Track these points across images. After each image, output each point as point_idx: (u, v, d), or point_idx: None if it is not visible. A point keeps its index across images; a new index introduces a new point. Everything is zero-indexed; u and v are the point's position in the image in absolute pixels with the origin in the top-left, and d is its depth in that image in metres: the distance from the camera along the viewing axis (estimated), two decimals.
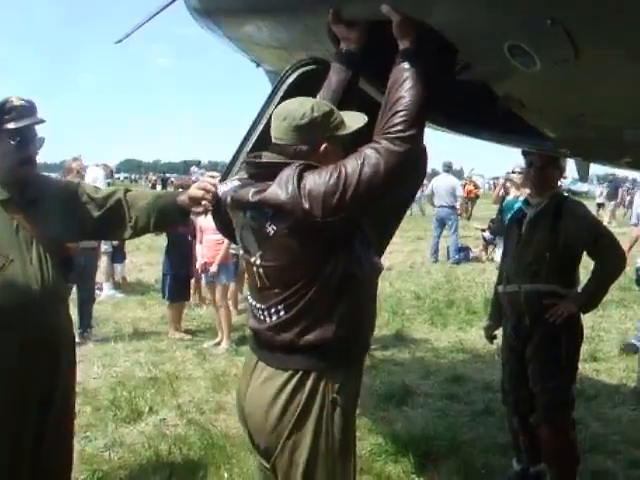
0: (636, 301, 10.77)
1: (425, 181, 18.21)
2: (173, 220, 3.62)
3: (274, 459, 2.68)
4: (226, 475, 4.56)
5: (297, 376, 2.60)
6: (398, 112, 2.37)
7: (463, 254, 15.89)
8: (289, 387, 2.59)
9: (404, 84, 2.38)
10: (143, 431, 5.45)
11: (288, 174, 2.41)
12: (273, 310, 2.61)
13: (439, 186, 15.97)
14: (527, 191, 4.85)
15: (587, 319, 9.30)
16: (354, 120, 2.55)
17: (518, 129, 2.59)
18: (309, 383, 2.59)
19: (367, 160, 2.37)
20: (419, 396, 6.25)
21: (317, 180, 2.38)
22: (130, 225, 3.30)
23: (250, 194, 2.51)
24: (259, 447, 2.77)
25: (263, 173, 2.53)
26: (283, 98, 2.88)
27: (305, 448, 2.59)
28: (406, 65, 2.39)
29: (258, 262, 2.59)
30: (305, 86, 2.89)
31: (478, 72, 2.16)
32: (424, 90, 2.38)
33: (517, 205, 10.65)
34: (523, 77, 1.86)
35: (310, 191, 2.37)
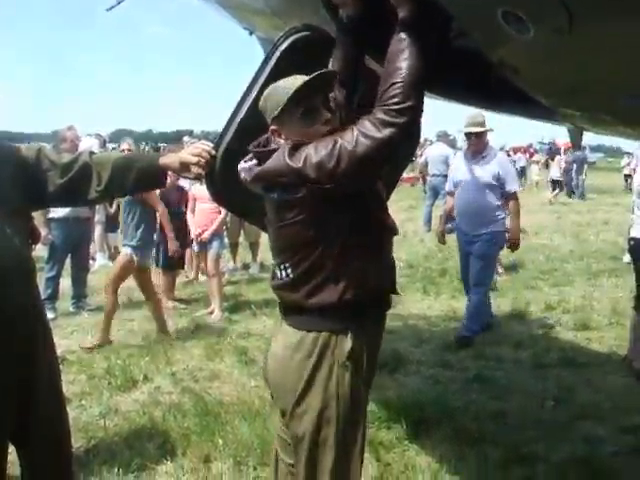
0: (627, 270, 10.82)
1: (418, 150, 18.19)
2: (152, 183, 3.44)
3: (287, 420, 2.71)
4: (220, 442, 4.60)
5: (309, 337, 2.65)
6: (395, 83, 2.37)
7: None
8: (303, 348, 2.64)
9: (402, 55, 2.37)
10: (138, 399, 5.49)
11: (279, 152, 2.52)
12: (282, 267, 2.69)
13: (432, 155, 15.92)
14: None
15: (578, 288, 9.46)
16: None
17: (511, 96, 2.58)
18: (319, 345, 2.63)
19: (363, 131, 2.38)
20: (412, 364, 6.29)
21: (313, 151, 2.42)
22: (98, 189, 3.13)
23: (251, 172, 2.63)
24: (279, 407, 2.83)
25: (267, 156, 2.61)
26: (276, 65, 2.87)
27: (314, 411, 2.62)
28: (404, 35, 2.37)
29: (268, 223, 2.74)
30: (298, 53, 2.88)
31: (472, 39, 2.15)
32: (422, 61, 2.37)
33: None
34: (517, 44, 1.85)
35: (307, 160, 2.42)
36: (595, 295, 9.21)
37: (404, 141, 2.46)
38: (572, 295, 9.22)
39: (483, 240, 7.05)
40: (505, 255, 10.48)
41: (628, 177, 28.15)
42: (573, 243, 13.70)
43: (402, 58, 2.37)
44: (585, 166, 27.80)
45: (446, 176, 15.90)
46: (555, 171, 26.23)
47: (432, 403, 5.18)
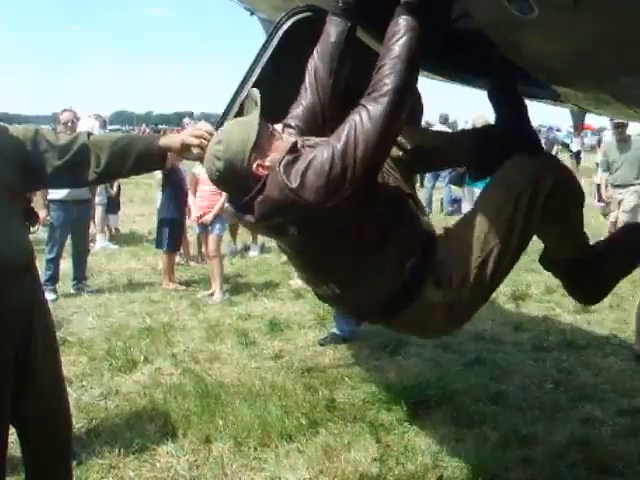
0: None
1: None
2: (151, 164, 3.32)
3: None
4: (221, 423, 4.61)
5: None
6: (384, 66, 2.30)
7: (457, 205, 15.85)
8: None
9: (394, 37, 2.31)
10: (138, 380, 5.50)
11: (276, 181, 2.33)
12: (326, 285, 2.63)
13: None
14: None
15: None
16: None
17: (516, 78, 2.57)
18: None
19: (358, 129, 2.27)
20: (412, 346, 6.29)
21: (312, 171, 2.28)
22: (97, 170, 3.08)
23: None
24: None
25: None
26: (277, 46, 2.85)
27: None
28: (400, 19, 2.33)
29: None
30: (299, 34, 2.86)
31: (475, 20, 2.13)
32: (415, 42, 2.30)
33: None
34: (521, 25, 1.84)
35: (308, 183, 2.27)
36: None
37: (397, 120, 2.36)
38: None
39: None
40: None
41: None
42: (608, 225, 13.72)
43: (393, 40, 2.31)
44: (556, 147, 27.44)
45: None
46: None
47: (432, 385, 5.20)
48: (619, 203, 9.99)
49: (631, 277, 8.27)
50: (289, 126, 2.65)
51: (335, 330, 6.59)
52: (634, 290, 7.46)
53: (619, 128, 9.96)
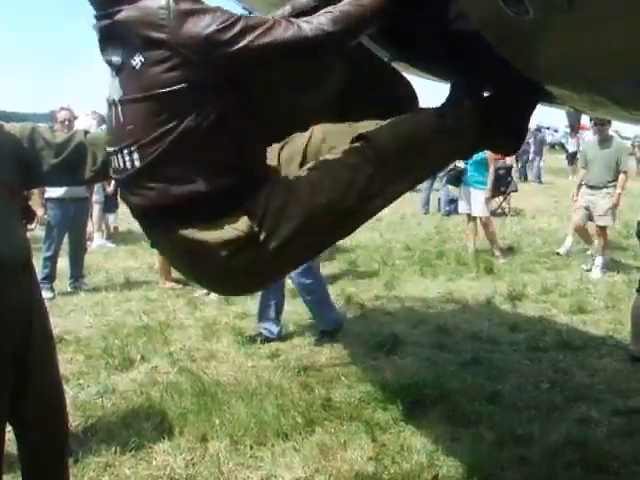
0: (623, 255, 10.87)
1: None
2: None
3: None
4: (217, 421, 4.62)
5: None
6: (331, 10, 2.16)
7: (454, 206, 15.88)
8: None
9: None
10: (135, 379, 5.50)
11: None
12: (126, 152, 2.19)
13: None
14: None
15: (575, 272, 9.48)
16: None
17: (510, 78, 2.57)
18: None
19: (277, 25, 2.10)
20: (408, 345, 6.31)
21: (206, 15, 2.06)
22: (94, 169, 3.06)
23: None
24: None
25: None
26: None
27: None
28: None
29: (116, 98, 2.20)
30: None
31: (471, 21, 2.14)
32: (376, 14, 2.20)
33: (478, 157, 10.76)
34: (516, 25, 1.85)
35: (194, 21, 2.05)
36: (591, 278, 9.24)
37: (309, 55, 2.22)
38: (568, 278, 9.25)
39: None
40: (502, 238, 10.54)
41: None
42: (570, 226, 13.71)
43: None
44: (544, 148, 27.13)
45: None
46: None
47: (428, 384, 5.21)
48: (587, 206, 9.76)
49: (627, 278, 8.32)
50: None
51: (262, 330, 6.48)
52: (630, 291, 7.48)
53: (600, 126, 9.73)
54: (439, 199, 16.40)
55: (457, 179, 11.39)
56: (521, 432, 4.55)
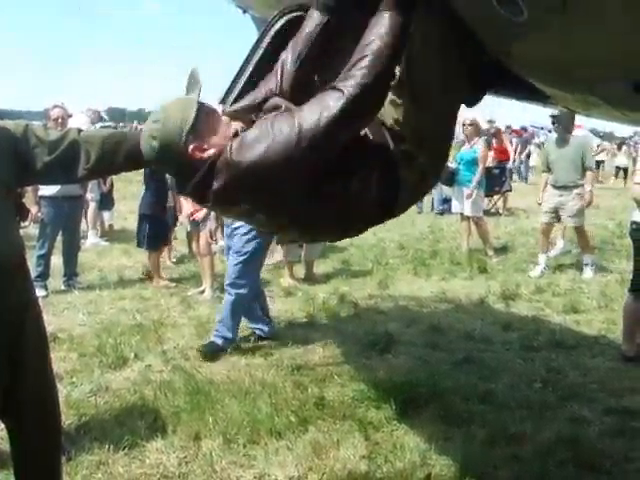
0: (616, 255, 10.89)
1: None
2: (142, 162, 3.24)
3: None
4: (211, 420, 4.62)
5: None
6: (361, 59, 2.27)
7: (447, 205, 15.90)
8: None
9: (376, 28, 2.28)
10: (128, 377, 5.50)
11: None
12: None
13: None
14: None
15: (567, 272, 9.50)
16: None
17: (506, 80, 2.58)
18: None
19: (324, 113, 2.23)
20: (402, 344, 6.32)
21: (268, 148, 2.25)
22: (87, 167, 3.05)
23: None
24: None
25: None
26: (269, 45, 2.85)
27: None
28: (383, 14, 2.30)
29: None
30: (292, 33, 2.86)
31: (465, 21, 2.15)
32: (396, 40, 2.28)
33: (469, 156, 10.73)
34: (511, 27, 1.85)
35: (262, 161, 2.25)
36: (584, 278, 9.27)
37: (358, 116, 2.34)
38: (561, 278, 9.28)
39: (240, 234, 6.09)
40: (496, 237, 10.56)
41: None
42: (560, 230, 13.75)
43: (375, 32, 2.28)
44: (528, 147, 27.07)
45: None
46: None
47: (421, 383, 5.21)
48: (555, 207, 9.45)
49: (619, 278, 8.34)
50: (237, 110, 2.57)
51: (216, 339, 6.11)
52: (622, 291, 7.50)
53: (557, 124, 9.47)
54: (432, 198, 16.41)
55: (450, 179, 11.42)
56: (514, 431, 4.57)
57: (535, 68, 2.25)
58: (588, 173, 9.47)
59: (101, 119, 13.64)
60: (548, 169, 9.69)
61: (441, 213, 15.77)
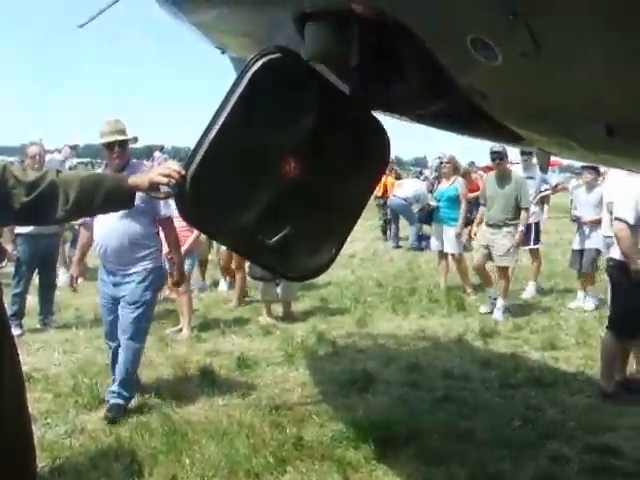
0: (594, 290, 10.94)
1: None
2: (120, 203, 3.32)
3: None
4: (187, 461, 4.57)
5: None
6: None
7: (425, 242, 15.97)
8: None
9: None
10: (104, 417, 5.42)
11: None
12: None
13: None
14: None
15: (546, 308, 9.52)
16: None
17: (479, 121, 2.62)
18: None
19: None
20: (380, 383, 6.30)
21: None
22: (65, 208, 3.07)
23: None
24: None
25: None
26: (248, 86, 2.88)
27: None
28: None
29: None
30: (269, 75, 2.89)
31: (441, 65, 2.18)
32: None
33: (451, 193, 10.76)
34: (485, 70, 1.88)
35: None
36: (562, 315, 9.30)
37: None
38: (540, 315, 9.30)
39: (135, 282, 5.58)
40: (473, 274, 10.59)
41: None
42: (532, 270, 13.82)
43: None
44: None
45: (405, 200, 16.21)
46: None
47: (400, 422, 5.18)
48: (487, 245, 9.36)
49: (597, 314, 8.37)
50: None
51: (116, 400, 5.52)
52: (600, 327, 7.53)
53: (497, 160, 9.37)
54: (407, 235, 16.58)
55: (429, 217, 11.48)
56: (493, 470, 4.54)
57: (510, 111, 2.28)
58: (523, 213, 9.41)
59: (77, 155, 13.60)
60: (484, 204, 9.68)
61: (419, 249, 15.84)
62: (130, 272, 5.56)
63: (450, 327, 8.54)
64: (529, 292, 10.76)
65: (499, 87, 2.05)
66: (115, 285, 5.62)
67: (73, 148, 13.16)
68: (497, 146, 9.04)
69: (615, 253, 6.04)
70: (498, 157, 9.32)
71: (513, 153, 10.62)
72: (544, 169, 9.06)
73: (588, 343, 7.71)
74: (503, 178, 9.39)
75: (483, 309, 9.50)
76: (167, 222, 5.89)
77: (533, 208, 10.46)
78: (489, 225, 9.43)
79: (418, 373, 6.65)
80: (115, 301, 5.64)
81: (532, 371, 6.71)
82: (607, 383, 6.06)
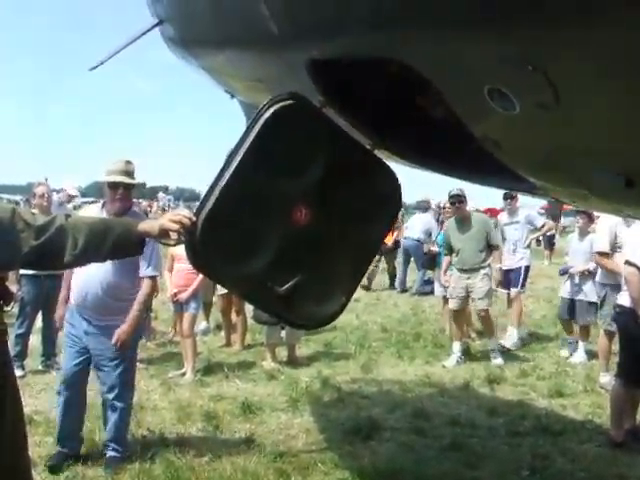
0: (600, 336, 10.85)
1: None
2: (129, 249, 3.28)
3: None
4: None
5: None
6: None
7: (430, 287, 15.89)
8: None
9: None
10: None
11: None
12: None
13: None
14: None
15: (552, 354, 9.44)
16: None
17: (491, 169, 2.61)
18: None
19: None
20: (385, 430, 6.22)
21: None
22: (74, 253, 3.04)
23: None
24: None
25: None
26: (260, 133, 2.88)
27: None
28: None
29: None
30: (281, 122, 2.89)
31: (456, 112, 2.17)
32: None
33: None
34: (501, 119, 1.87)
35: None
36: (569, 361, 9.22)
37: None
38: (546, 361, 9.22)
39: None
40: (477, 319, 10.52)
41: None
42: (546, 308, 13.76)
43: None
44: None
45: (419, 240, 16.16)
46: None
47: (406, 470, 5.13)
48: (466, 289, 9.16)
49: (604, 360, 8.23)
50: None
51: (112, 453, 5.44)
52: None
53: (456, 204, 9.20)
54: (414, 280, 16.50)
55: (432, 262, 11.44)
56: None
57: (525, 160, 2.27)
58: (495, 253, 9.39)
59: (70, 199, 13.46)
60: (450, 252, 9.51)
61: (424, 293, 15.76)
62: (110, 324, 5.28)
63: (456, 373, 8.47)
64: (510, 340, 10.27)
65: (515, 136, 2.04)
66: (88, 334, 5.37)
67: (72, 196, 13.13)
68: (455, 189, 9.00)
69: (623, 300, 5.98)
70: (457, 200, 9.16)
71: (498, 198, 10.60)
72: (557, 216, 9.00)
73: (596, 390, 7.64)
74: (464, 222, 9.24)
75: (448, 363, 9.04)
76: (149, 281, 5.48)
77: (522, 252, 10.44)
78: (463, 271, 9.21)
79: (424, 420, 6.57)
80: (85, 350, 5.44)
81: (539, 419, 6.64)
82: (617, 432, 5.98)
